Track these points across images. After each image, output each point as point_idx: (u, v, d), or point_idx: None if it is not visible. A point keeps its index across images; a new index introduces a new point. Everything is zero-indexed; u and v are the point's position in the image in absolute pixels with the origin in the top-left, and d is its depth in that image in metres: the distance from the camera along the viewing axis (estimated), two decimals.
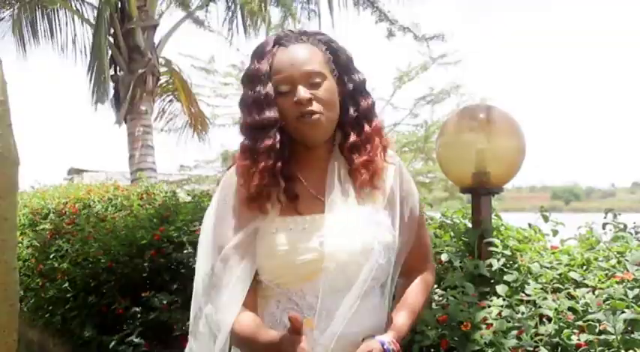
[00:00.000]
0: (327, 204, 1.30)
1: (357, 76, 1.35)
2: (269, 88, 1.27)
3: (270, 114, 1.27)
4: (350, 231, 1.27)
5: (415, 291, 1.41)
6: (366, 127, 1.33)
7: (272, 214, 1.29)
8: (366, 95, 1.36)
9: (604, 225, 2.43)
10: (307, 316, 1.23)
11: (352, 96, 1.34)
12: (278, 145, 1.27)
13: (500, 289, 2.19)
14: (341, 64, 1.34)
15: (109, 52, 9.06)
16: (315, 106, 1.26)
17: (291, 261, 1.25)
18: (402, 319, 1.33)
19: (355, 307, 1.24)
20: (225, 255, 1.28)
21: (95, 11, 9.36)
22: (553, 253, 2.43)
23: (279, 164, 1.27)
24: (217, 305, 1.27)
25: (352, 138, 1.32)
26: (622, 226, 2.42)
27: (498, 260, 2.32)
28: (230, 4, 9.46)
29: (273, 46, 1.31)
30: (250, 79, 1.30)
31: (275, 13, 9.01)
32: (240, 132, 1.33)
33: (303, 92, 1.26)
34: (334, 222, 1.28)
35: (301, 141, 1.31)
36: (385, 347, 1.22)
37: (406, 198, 1.38)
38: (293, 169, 1.32)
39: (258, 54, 1.31)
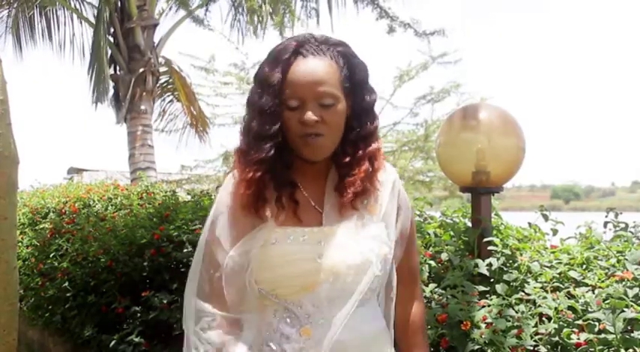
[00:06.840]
0: (325, 216, 1.29)
1: (368, 96, 1.32)
2: (277, 100, 1.24)
3: (271, 128, 1.24)
4: (349, 244, 1.26)
5: None
6: (361, 151, 1.30)
7: (271, 224, 1.27)
8: (372, 117, 1.32)
9: (606, 224, 2.43)
10: (304, 325, 1.24)
11: (358, 115, 1.31)
12: (270, 155, 1.24)
13: (500, 288, 2.19)
14: (357, 80, 1.30)
15: (109, 52, 9.06)
16: (321, 128, 1.24)
17: (289, 273, 1.24)
18: None
19: (350, 315, 1.23)
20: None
21: (94, 10, 9.36)
22: (553, 252, 2.43)
23: (268, 176, 1.26)
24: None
25: (345, 158, 1.30)
26: (623, 225, 2.42)
27: (498, 259, 2.32)
28: (233, 2, 9.45)
29: (292, 54, 1.26)
30: (261, 83, 1.26)
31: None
32: (240, 131, 1.30)
33: (311, 114, 1.23)
34: (333, 234, 1.27)
35: (300, 157, 1.29)
36: None
37: (400, 216, 1.37)
38: (294, 177, 1.30)
39: (274, 59, 1.26)
